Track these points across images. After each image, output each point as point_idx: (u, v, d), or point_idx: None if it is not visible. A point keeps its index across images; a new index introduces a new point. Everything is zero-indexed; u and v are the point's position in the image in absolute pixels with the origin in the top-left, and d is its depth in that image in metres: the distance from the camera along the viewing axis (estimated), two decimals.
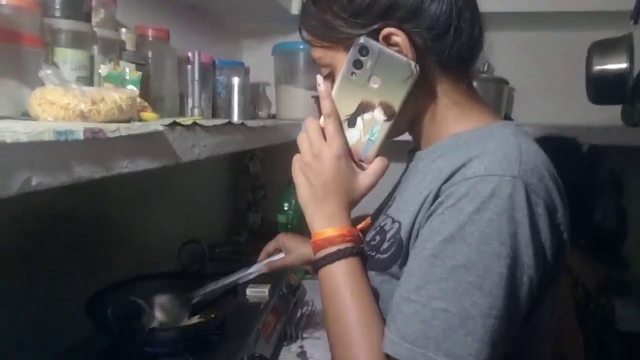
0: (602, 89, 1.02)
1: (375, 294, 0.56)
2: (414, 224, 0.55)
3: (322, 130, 0.58)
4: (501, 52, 1.37)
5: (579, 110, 1.31)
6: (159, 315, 0.77)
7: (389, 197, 0.68)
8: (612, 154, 1.09)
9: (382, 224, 0.61)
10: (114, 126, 0.47)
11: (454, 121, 0.59)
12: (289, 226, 1.29)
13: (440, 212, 0.51)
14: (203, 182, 1.38)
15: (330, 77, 0.61)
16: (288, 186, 1.35)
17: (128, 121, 0.56)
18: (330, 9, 0.57)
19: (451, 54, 0.57)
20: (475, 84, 0.63)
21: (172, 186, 1.18)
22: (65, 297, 0.80)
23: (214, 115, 1.04)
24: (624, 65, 0.98)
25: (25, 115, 0.53)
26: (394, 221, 0.59)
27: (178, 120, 0.61)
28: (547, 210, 0.51)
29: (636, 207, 1.03)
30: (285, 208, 1.29)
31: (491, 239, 0.48)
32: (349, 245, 0.56)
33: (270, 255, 0.90)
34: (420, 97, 0.58)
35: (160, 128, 0.56)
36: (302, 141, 0.60)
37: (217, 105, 1.06)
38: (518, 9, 1.30)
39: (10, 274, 0.73)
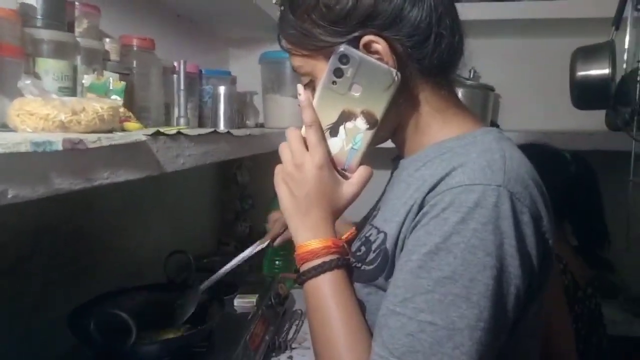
0: (585, 94, 1.03)
1: (362, 306, 0.56)
2: (399, 234, 0.54)
3: (304, 140, 0.57)
4: (487, 59, 1.39)
5: (565, 116, 1.33)
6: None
7: (375, 207, 0.67)
8: (597, 159, 1.11)
9: (367, 234, 0.61)
10: (94, 136, 0.47)
11: (436, 128, 0.59)
12: None
13: (424, 222, 0.50)
14: (190, 192, 1.37)
15: (310, 86, 0.60)
16: (276, 196, 1.34)
17: (110, 131, 0.56)
18: (308, 17, 0.57)
19: (432, 61, 0.57)
20: (461, 90, 0.63)
21: (159, 196, 1.17)
22: (50, 310, 0.78)
23: (201, 124, 1.04)
24: (606, 71, 0.99)
25: (4, 126, 0.52)
26: (379, 232, 0.58)
27: (162, 129, 0.61)
28: (532, 219, 0.50)
29: (619, 210, 1.04)
30: None
31: (477, 249, 0.47)
32: (333, 257, 0.55)
33: (277, 236, 0.82)
34: (402, 104, 0.58)
35: (143, 138, 0.55)
36: (284, 151, 0.59)
37: (203, 115, 1.05)
38: (503, 16, 1.31)
39: None
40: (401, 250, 0.53)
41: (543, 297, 0.56)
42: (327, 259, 0.55)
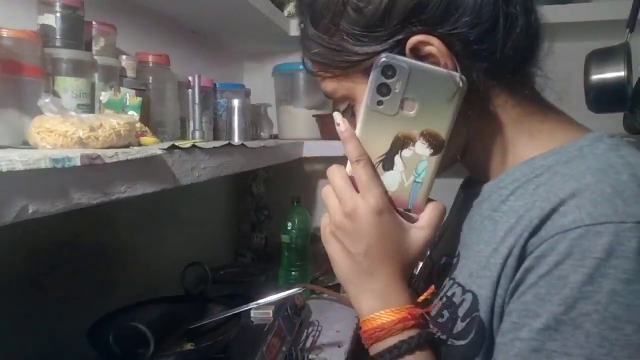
0: (601, 97, 1.02)
1: None
2: (494, 297, 0.41)
3: (352, 179, 0.45)
4: None
5: (582, 120, 1.31)
6: None
7: (446, 247, 0.52)
8: None
9: (448, 293, 0.47)
10: (112, 151, 0.48)
11: (523, 142, 0.46)
12: (293, 246, 1.28)
13: (531, 283, 0.37)
14: (206, 204, 1.38)
15: (349, 112, 0.49)
16: (292, 205, 1.35)
17: (127, 146, 0.57)
18: (336, 28, 0.44)
19: (505, 54, 0.43)
20: None
21: (175, 209, 1.19)
22: (70, 322, 0.79)
23: (216, 137, 1.05)
24: (622, 74, 0.98)
25: (25, 144, 0.54)
26: (464, 291, 0.44)
27: (177, 143, 0.62)
28: None
29: None
30: (289, 227, 1.29)
31: (621, 322, 0.34)
32: (413, 333, 0.42)
33: None
34: (472, 117, 0.45)
35: (159, 152, 0.56)
36: (329, 197, 0.46)
37: (218, 128, 1.07)
38: None
39: (14, 301, 0.72)
40: (500, 319, 0.40)
41: None
42: (404, 336, 0.42)
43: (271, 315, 0.97)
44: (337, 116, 0.46)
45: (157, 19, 1.09)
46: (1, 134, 0.53)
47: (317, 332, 1.07)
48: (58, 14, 0.65)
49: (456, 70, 0.43)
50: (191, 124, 0.94)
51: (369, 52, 0.44)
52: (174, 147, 0.60)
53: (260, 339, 0.87)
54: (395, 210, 0.45)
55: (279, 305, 1.02)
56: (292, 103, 1.32)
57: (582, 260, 0.35)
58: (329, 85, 0.48)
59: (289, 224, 1.30)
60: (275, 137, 1.37)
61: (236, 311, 0.80)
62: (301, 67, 1.30)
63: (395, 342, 0.42)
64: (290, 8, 1.35)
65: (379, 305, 0.43)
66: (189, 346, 0.79)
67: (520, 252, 0.39)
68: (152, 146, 0.61)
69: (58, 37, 0.66)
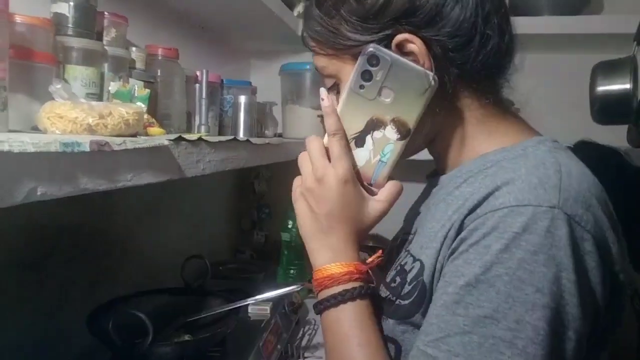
0: (606, 109, 1.02)
1: (397, 347, 0.49)
2: (436, 264, 0.47)
3: (327, 150, 0.52)
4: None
5: (585, 132, 1.31)
6: None
7: (407, 226, 0.60)
8: None
9: (402, 262, 0.53)
10: (120, 139, 0.48)
11: (480, 140, 0.52)
12: (293, 244, 1.29)
13: (463, 250, 0.44)
14: (208, 200, 1.39)
15: (335, 90, 0.55)
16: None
17: (134, 135, 0.58)
18: (337, 12, 0.51)
19: (475, 65, 0.50)
20: None
21: (178, 203, 1.19)
22: (68, 309, 0.80)
23: (221, 133, 1.06)
24: (627, 86, 0.98)
25: (35, 129, 0.54)
26: (414, 260, 0.51)
27: (184, 135, 0.62)
28: (596, 247, 0.43)
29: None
30: (290, 226, 1.29)
31: (524, 283, 0.40)
32: (356, 284, 0.49)
33: None
34: (439, 113, 0.51)
35: (166, 142, 0.57)
36: (304, 163, 0.53)
37: (223, 124, 1.07)
38: (522, 31, 1.31)
39: (14, 285, 0.73)
40: (437, 282, 0.47)
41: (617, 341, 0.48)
42: (348, 286, 0.49)
43: (268, 311, 0.97)
44: (323, 92, 0.52)
45: (167, 13, 1.10)
46: (11, 118, 0.54)
47: (314, 331, 1.08)
48: (71, 3, 0.66)
49: (431, 70, 0.49)
50: (197, 118, 0.94)
51: (360, 40, 0.50)
52: (181, 138, 0.61)
53: (257, 334, 0.88)
54: (359, 182, 0.51)
55: (276, 302, 1.03)
56: (298, 102, 1.33)
57: (504, 233, 0.42)
58: (321, 61, 0.55)
59: (290, 222, 1.31)
60: (280, 136, 1.37)
61: (235, 306, 0.80)
62: (308, 67, 1.29)
63: (340, 290, 0.49)
64: (300, 8, 1.35)
65: (331, 259, 0.50)
66: (186, 338, 0.79)
67: (459, 225, 0.46)
68: (159, 137, 0.62)
69: (70, 25, 0.66)
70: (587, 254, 0.42)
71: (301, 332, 1.07)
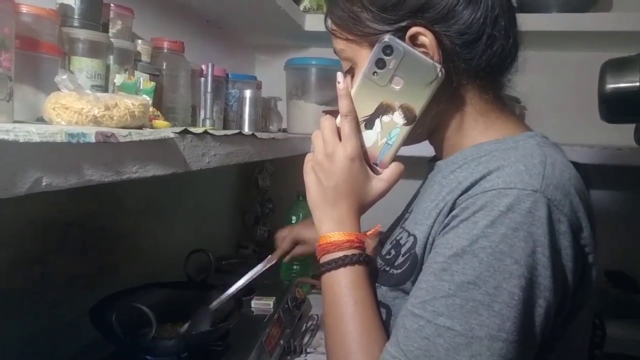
0: (614, 108, 1.01)
1: (388, 311, 0.55)
2: (428, 237, 0.53)
3: (338, 130, 0.56)
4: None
5: (592, 130, 1.30)
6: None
7: (406, 209, 0.66)
8: (625, 174, 1.08)
9: (397, 237, 0.59)
10: (125, 131, 0.48)
11: (478, 132, 0.57)
12: None
13: (454, 225, 0.49)
14: (212, 194, 1.39)
15: (350, 73, 0.59)
16: (297, 200, 1.35)
17: (140, 128, 0.57)
18: (359, 1, 0.55)
19: (480, 63, 0.54)
20: None
21: (182, 197, 1.19)
22: (72, 302, 0.80)
23: (226, 127, 1.05)
24: (637, 84, 0.97)
25: (40, 120, 0.54)
26: (409, 235, 0.56)
27: (189, 128, 0.62)
28: (570, 229, 0.48)
29: None
30: (293, 221, 1.29)
31: (504, 255, 0.45)
32: (355, 252, 0.54)
33: (286, 253, 0.89)
34: (443, 103, 0.56)
35: (171, 135, 0.56)
36: (316, 139, 0.57)
37: (228, 118, 1.07)
38: (530, 28, 1.30)
39: (18, 277, 0.73)
40: (428, 254, 0.52)
41: (586, 317, 0.53)
42: (348, 252, 0.54)
43: (271, 306, 0.97)
44: (339, 75, 0.56)
45: (173, 7, 1.09)
46: (17, 109, 0.53)
47: (316, 326, 1.08)
48: None
49: (439, 63, 0.53)
50: (202, 112, 0.94)
51: (378, 29, 0.54)
52: (186, 131, 0.60)
53: (260, 329, 0.88)
54: (366, 162, 0.56)
55: (279, 297, 1.02)
56: (303, 98, 1.32)
57: (491, 211, 0.47)
58: (340, 44, 0.59)
59: (293, 217, 1.30)
60: (284, 131, 1.37)
61: (229, 294, 0.80)
62: (313, 62, 1.28)
63: (341, 255, 0.54)
64: (306, 3, 1.35)
65: (334, 228, 0.55)
66: (187, 329, 0.79)
67: (452, 204, 0.51)
68: (164, 129, 0.61)
69: (76, 17, 0.66)
70: (562, 234, 0.47)
71: (304, 327, 1.07)
